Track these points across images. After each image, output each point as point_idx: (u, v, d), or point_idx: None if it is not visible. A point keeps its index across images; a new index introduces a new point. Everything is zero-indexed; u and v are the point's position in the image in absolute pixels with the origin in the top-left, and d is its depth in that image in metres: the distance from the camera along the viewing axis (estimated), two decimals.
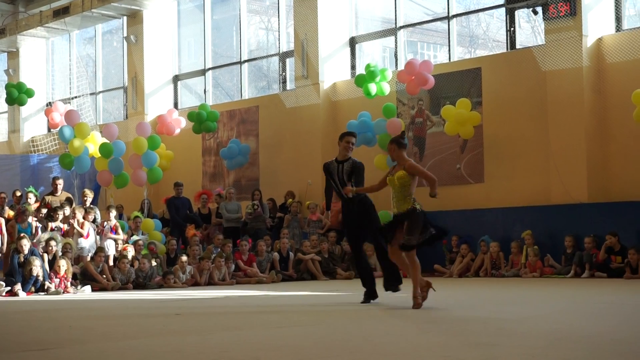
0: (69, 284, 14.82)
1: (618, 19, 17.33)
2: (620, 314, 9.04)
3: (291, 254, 17.93)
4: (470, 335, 7.31)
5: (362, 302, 10.81)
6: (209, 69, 24.84)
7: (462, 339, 7.09)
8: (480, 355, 6.14)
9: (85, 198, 17.80)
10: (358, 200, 10.94)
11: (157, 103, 25.05)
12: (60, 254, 15.37)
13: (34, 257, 14.63)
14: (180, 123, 21.74)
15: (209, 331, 8.06)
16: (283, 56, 22.81)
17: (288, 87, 22.56)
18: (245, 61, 23.94)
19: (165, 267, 16.89)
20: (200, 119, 21.15)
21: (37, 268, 14.43)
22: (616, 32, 17.28)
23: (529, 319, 8.55)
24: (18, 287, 14.19)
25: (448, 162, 19.11)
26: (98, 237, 16.85)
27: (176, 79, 25.61)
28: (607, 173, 17.13)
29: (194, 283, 16.39)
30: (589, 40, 17.10)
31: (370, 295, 10.95)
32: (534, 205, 17.59)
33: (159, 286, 15.96)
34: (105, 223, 17.00)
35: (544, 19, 17.43)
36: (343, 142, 11.26)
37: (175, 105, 25.11)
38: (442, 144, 19.14)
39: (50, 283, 14.57)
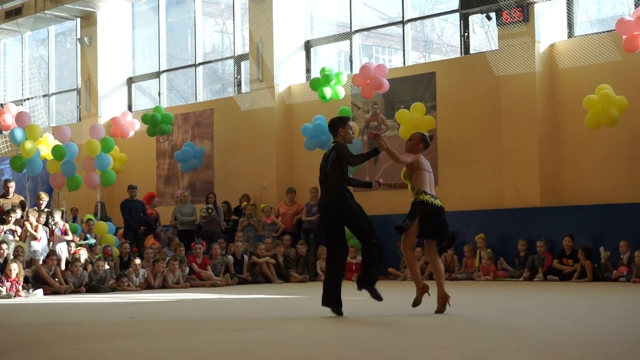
0: (20, 287, 14.66)
1: (570, 26, 17.52)
2: (568, 315, 9.14)
3: (245, 257, 17.90)
4: (424, 339, 7.35)
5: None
6: (164, 71, 24.73)
7: (416, 342, 7.13)
8: (433, 358, 6.18)
9: (41, 201, 17.60)
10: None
11: (111, 105, 24.88)
12: (11, 257, 15.21)
13: None
14: (134, 125, 21.60)
15: (162, 335, 8.03)
16: (238, 59, 22.76)
17: (243, 90, 22.52)
18: (200, 64, 23.86)
19: (119, 270, 16.79)
20: (154, 122, 21.04)
21: None
22: (568, 38, 17.47)
23: (481, 322, 8.62)
24: None
25: (402, 166, 19.12)
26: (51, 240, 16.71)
27: (130, 81, 25.45)
28: (559, 177, 17.31)
29: (147, 286, 16.32)
30: (542, 46, 17.28)
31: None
32: (487, 209, 17.72)
33: (112, 289, 15.85)
34: (54, 226, 16.82)
35: (498, 25, 17.57)
36: (346, 128, 10.25)
37: (129, 108, 24.94)
38: (396, 148, 18.98)
39: (1, 287, 14.41)
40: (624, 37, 15.03)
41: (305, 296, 13.48)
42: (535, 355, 6.18)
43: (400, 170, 10.56)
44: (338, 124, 10.22)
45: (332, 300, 9.70)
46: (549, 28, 17.36)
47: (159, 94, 24.64)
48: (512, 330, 7.78)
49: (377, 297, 9.69)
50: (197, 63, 23.83)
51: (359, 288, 9.78)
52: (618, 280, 15.07)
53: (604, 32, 17.07)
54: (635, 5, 16.55)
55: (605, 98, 15.25)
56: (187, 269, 16.96)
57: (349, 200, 9.86)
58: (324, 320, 9.22)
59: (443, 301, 9.61)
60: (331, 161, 9.96)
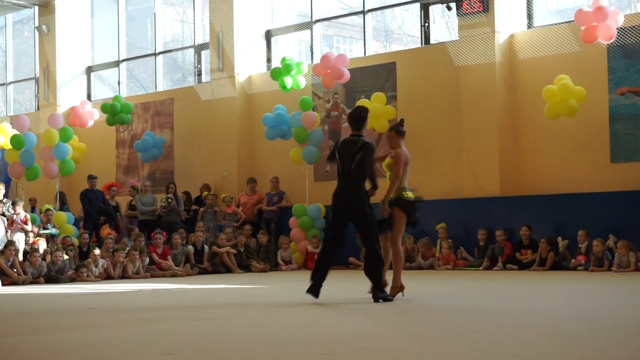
0: None
1: (529, 16, 17.63)
2: (527, 304, 9.21)
3: (206, 247, 17.85)
4: (385, 327, 7.37)
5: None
6: (123, 60, 24.55)
7: (377, 330, 7.15)
8: (394, 346, 6.20)
9: None
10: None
11: (70, 94, 24.66)
12: None
13: None
14: (93, 115, 21.43)
15: (122, 325, 7.99)
16: (198, 48, 22.65)
17: (203, 80, 22.43)
18: (160, 53, 23.72)
19: (78, 261, 16.66)
20: (114, 111, 20.89)
21: None
22: (528, 29, 17.57)
23: (443, 310, 8.66)
24: None
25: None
26: (9, 230, 16.53)
27: (89, 70, 25.25)
28: (518, 167, 17.42)
29: (107, 277, 16.21)
30: (502, 37, 17.36)
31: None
32: (447, 199, 17.79)
33: (72, 280, 15.73)
34: (15, 216, 16.66)
35: (458, 15, 17.63)
36: (367, 119, 10.29)
37: (89, 97, 24.75)
38: None
39: None
40: (582, 28, 15.14)
41: (266, 286, 13.47)
42: (494, 344, 6.22)
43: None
44: (365, 116, 10.13)
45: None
46: (508, 18, 17.45)
47: (119, 83, 24.47)
48: (472, 318, 7.83)
49: (385, 299, 9.71)
50: (157, 52, 23.69)
51: (376, 300, 9.71)
52: (576, 269, 15.21)
53: (563, 23, 17.19)
54: None
55: (564, 88, 15.37)
56: (147, 259, 16.88)
57: (366, 202, 9.95)
58: (285, 309, 9.22)
59: (398, 290, 9.89)
60: (357, 160, 9.89)
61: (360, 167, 9.90)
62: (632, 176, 16.03)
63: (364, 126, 10.08)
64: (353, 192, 9.95)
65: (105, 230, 18.39)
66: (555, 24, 17.29)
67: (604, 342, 6.24)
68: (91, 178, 19.37)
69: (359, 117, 10.08)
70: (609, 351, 5.84)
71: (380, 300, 9.66)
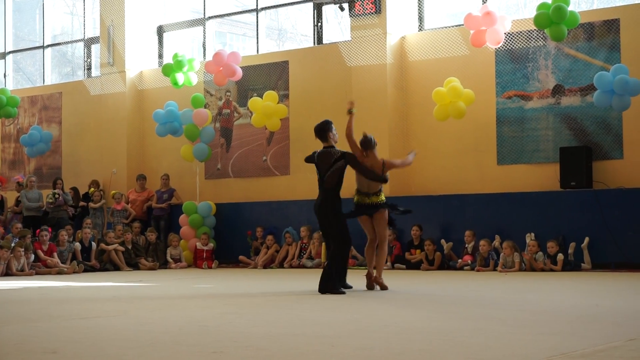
0: None
1: (420, 19, 17.88)
2: (414, 304, 9.36)
3: (93, 244, 17.57)
4: (276, 326, 7.38)
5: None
6: (10, 52, 23.99)
7: (267, 329, 7.16)
8: (280, 345, 6.21)
9: None
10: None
11: None
12: None
13: None
14: None
15: (4, 323, 7.80)
16: (88, 42, 22.29)
17: (93, 74, 22.09)
18: (48, 46, 23.26)
19: None
20: None
21: None
22: (418, 31, 17.82)
23: (332, 309, 8.72)
24: None
25: (254, 153, 19.21)
26: None
27: None
28: (408, 168, 17.61)
29: None
30: (393, 38, 17.56)
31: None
32: None
33: None
34: None
35: (350, 16, 17.77)
36: (334, 130, 11.15)
37: None
38: (249, 136, 19.20)
39: None
40: (472, 32, 15.42)
41: (155, 284, 13.33)
42: (382, 342, 6.29)
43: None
44: (326, 129, 10.97)
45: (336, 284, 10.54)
46: (400, 20, 17.65)
47: (5, 75, 23.91)
48: (359, 317, 7.90)
49: (341, 292, 10.49)
50: (45, 45, 23.22)
51: (322, 292, 10.45)
52: (463, 268, 15.49)
53: (453, 26, 17.48)
54: (482, 1, 17.00)
55: (453, 91, 15.63)
56: (33, 256, 16.52)
57: (338, 210, 10.99)
58: (173, 307, 9.14)
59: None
60: (335, 169, 10.87)
61: (335, 175, 10.92)
62: (517, 178, 16.42)
63: (330, 137, 10.91)
64: (326, 200, 10.98)
65: None
66: (446, 27, 17.57)
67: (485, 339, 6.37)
68: None
69: (321, 130, 10.94)
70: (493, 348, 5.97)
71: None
